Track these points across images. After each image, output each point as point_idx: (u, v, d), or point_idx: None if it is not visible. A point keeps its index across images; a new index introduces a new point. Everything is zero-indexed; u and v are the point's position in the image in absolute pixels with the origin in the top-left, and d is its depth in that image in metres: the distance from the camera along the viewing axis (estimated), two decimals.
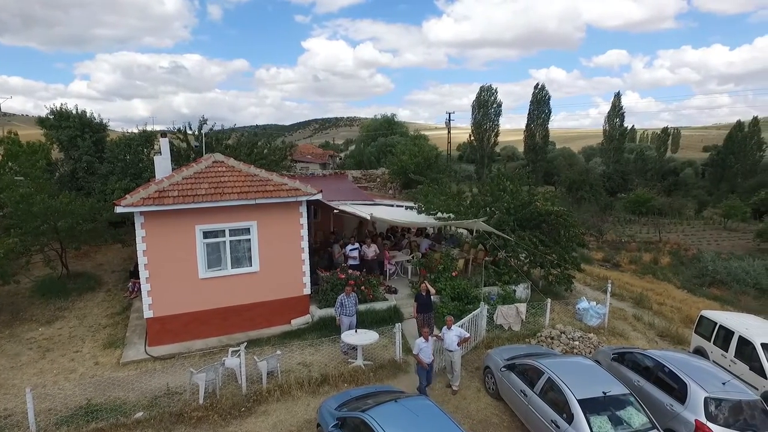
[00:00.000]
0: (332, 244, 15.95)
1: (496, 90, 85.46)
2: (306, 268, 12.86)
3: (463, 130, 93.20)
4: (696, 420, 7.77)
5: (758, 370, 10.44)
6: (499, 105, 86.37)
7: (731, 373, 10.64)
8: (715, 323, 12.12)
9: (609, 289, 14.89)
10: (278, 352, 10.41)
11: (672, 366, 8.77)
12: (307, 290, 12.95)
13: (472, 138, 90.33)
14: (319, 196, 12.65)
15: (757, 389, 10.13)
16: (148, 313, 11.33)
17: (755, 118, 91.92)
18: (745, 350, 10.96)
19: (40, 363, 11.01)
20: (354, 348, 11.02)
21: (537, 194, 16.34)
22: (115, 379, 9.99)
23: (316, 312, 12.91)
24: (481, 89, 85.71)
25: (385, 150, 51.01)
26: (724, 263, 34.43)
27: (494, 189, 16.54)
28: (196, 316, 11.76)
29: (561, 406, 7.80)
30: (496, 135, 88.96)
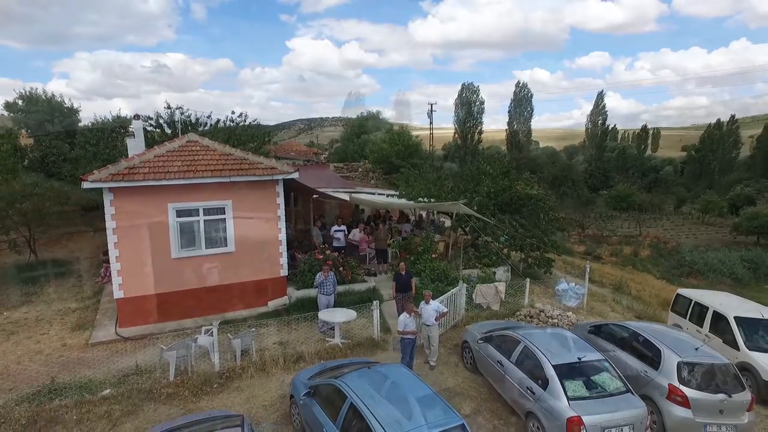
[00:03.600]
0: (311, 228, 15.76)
1: (478, 88, 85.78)
2: (283, 249, 12.64)
3: (447, 130, 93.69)
4: (669, 384, 7.79)
5: (731, 342, 10.57)
6: (482, 103, 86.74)
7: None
8: (691, 300, 12.25)
9: (588, 269, 14.98)
10: (252, 329, 10.19)
11: (646, 335, 8.80)
12: (284, 272, 12.72)
13: (457, 136, 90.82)
14: (296, 175, 12.44)
15: (730, 360, 10.25)
16: (118, 294, 10.99)
17: (733, 117, 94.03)
18: (719, 324, 11.10)
19: (3, 345, 10.61)
20: (332, 327, 10.87)
21: (518, 179, 16.37)
22: (82, 359, 9.68)
23: (294, 293, 12.70)
24: (463, 87, 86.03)
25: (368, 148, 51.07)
26: (702, 254, 35.09)
27: (475, 173, 16.52)
28: (169, 297, 11.45)
29: (537, 373, 7.75)
30: (480, 132, 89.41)
